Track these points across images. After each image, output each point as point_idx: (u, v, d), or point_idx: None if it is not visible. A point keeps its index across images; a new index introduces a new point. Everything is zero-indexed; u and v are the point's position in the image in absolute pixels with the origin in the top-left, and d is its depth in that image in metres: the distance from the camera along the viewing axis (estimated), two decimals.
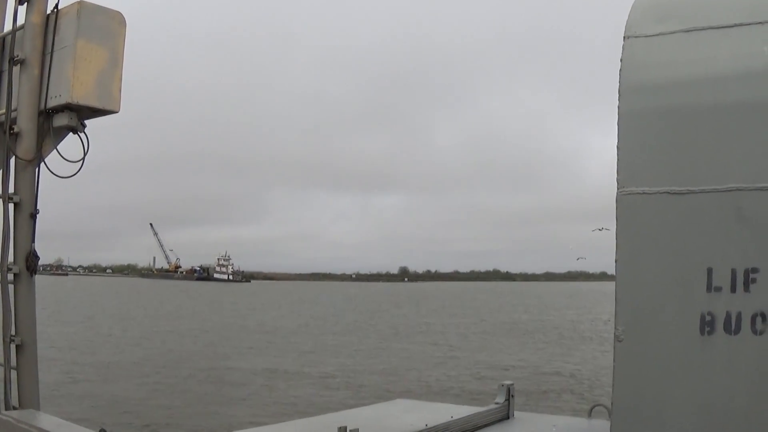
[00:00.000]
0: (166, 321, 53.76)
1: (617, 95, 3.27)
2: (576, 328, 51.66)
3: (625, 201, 3.16)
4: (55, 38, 5.10)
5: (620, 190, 3.18)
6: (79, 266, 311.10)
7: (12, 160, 5.10)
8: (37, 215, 5.07)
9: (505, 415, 5.07)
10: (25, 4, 5.18)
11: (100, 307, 70.73)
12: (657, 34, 3.26)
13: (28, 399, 5.09)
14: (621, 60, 3.29)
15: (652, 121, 3.20)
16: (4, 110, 5.12)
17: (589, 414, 4.89)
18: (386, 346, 38.08)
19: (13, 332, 5.04)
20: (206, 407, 19.95)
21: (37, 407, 5.07)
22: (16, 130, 5.05)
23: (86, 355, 31.20)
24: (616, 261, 3.19)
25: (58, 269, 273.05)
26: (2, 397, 5.13)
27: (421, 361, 31.63)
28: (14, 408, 5.04)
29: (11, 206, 5.03)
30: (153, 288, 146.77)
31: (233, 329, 47.26)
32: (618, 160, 3.21)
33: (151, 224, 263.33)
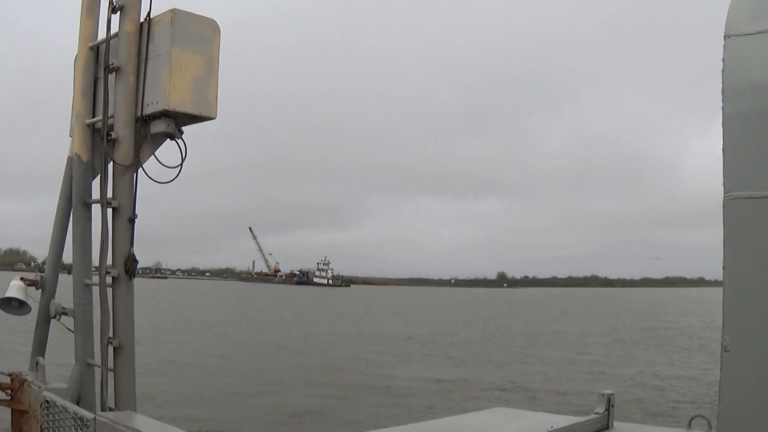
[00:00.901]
0: (295, 327, 51.58)
1: (720, 96, 3.22)
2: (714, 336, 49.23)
3: (731, 205, 3.06)
4: (150, 46, 5.19)
5: (727, 194, 3.09)
6: (178, 269, 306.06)
7: (110, 166, 5.21)
8: (136, 220, 5.17)
9: (604, 425, 5.01)
10: (119, 12, 5.27)
11: (218, 311, 68.90)
12: (758, 32, 3.13)
13: (125, 400, 5.19)
14: (723, 60, 3.21)
15: (758, 123, 3.09)
16: (101, 117, 5.23)
17: (689, 425, 4.80)
18: (532, 354, 36.57)
19: (111, 334, 5.16)
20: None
21: (134, 408, 5.16)
22: (113, 136, 5.16)
23: (236, 363, 29.77)
24: (723, 268, 3.10)
25: (157, 272, 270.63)
26: (99, 398, 5.25)
27: (577, 373, 29.84)
28: (110, 409, 5.14)
29: (110, 211, 5.14)
30: (258, 292, 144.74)
31: (371, 336, 45.62)
32: (724, 163, 3.11)
33: (250, 228, 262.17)
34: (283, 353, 33.53)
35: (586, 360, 34.69)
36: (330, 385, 24.42)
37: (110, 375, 5.22)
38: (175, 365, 27.45)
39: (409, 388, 24.40)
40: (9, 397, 5.47)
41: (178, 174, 5.17)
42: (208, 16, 5.23)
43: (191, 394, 21.43)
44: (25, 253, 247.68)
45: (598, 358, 35.69)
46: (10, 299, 5.53)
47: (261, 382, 24.48)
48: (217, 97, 5.17)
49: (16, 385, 5.42)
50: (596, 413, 4.98)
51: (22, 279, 5.56)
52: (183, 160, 5.16)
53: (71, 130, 5.53)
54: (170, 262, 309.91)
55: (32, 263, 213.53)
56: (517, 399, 22.59)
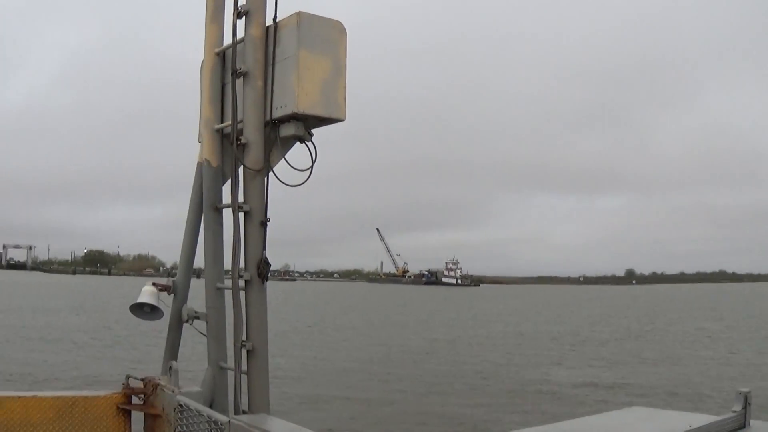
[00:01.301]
0: (436, 328, 50.20)
1: None
2: None
3: None
4: (276, 49, 5.20)
5: None
6: (306, 272, 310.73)
7: (240, 170, 5.24)
8: (268, 223, 5.19)
9: (741, 424, 4.84)
10: (244, 17, 5.31)
11: (354, 312, 68.37)
12: None
13: (259, 403, 5.20)
14: None
15: None
16: (230, 122, 5.27)
17: None
18: (683, 352, 35.23)
19: (244, 338, 5.18)
20: None
21: (268, 411, 5.16)
22: (243, 140, 5.19)
23: (386, 367, 28.84)
24: None
25: (286, 275, 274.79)
26: (233, 401, 5.28)
27: (731, 372, 28.44)
28: (244, 412, 5.16)
29: (241, 215, 5.17)
30: (388, 292, 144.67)
31: (515, 336, 44.17)
32: None
33: (377, 229, 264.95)
34: (434, 356, 32.78)
35: (737, 359, 33.19)
36: (490, 391, 23.60)
37: (243, 378, 5.25)
38: (323, 369, 27.39)
39: (571, 390, 23.51)
40: (142, 402, 5.59)
41: (308, 177, 5.15)
42: (334, 18, 5.22)
43: (342, 399, 21.22)
44: (153, 258, 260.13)
45: (748, 356, 34.11)
46: (142, 304, 5.64)
47: (418, 387, 23.81)
48: (345, 98, 5.14)
49: (150, 390, 5.54)
50: (733, 411, 4.80)
51: (154, 284, 5.66)
52: (313, 163, 5.14)
53: (199, 136, 5.60)
54: (298, 264, 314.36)
55: (161, 268, 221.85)
56: (680, 399, 21.83)
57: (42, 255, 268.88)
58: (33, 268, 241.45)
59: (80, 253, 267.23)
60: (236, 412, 5.16)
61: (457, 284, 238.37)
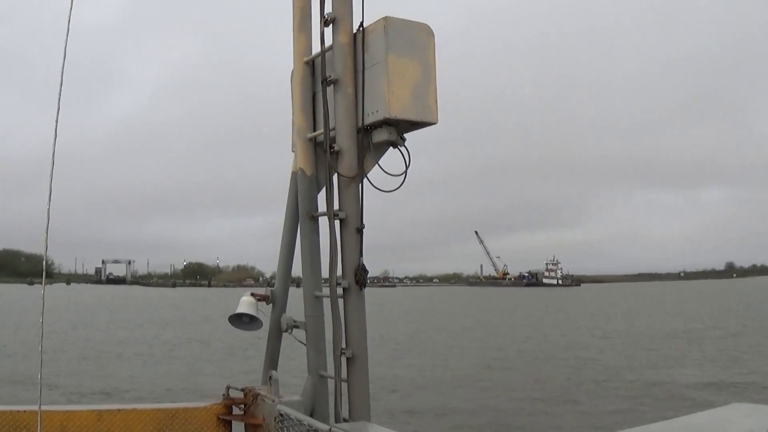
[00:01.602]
0: (547, 330, 49.88)
1: None
2: None
3: None
4: (365, 55, 5.19)
5: None
6: (405, 277, 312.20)
7: (335, 178, 5.25)
8: (364, 230, 5.17)
9: None
10: (331, 25, 5.32)
11: (461, 316, 67.93)
12: None
13: (360, 411, 5.17)
14: None
15: None
16: (322, 130, 5.29)
17: None
18: None
19: (343, 345, 5.17)
20: None
21: (368, 419, 5.14)
22: (336, 148, 5.19)
23: (509, 374, 28.15)
24: None
25: (385, 281, 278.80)
26: (333, 409, 5.27)
27: None
28: (345, 420, 5.15)
29: (337, 223, 5.17)
30: (490, 295, 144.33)
31: (628, 336, 43.49)
32: None
33: (476, 232, 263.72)
34: (552, 361, 32.17)
35: None
36: (618, 394, 23.02)
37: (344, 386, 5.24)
38: (443, 377, 27.14)
39: (699, 392, 22.85)
40: (243, 412, 5.65)
41: (402, 182, 5.11)
42: (421, 21, 5.18)
43: (469, 407, 20.95)
44: (252, 268, 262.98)
45: None
46: (241, 315, 5.69)
47: (543, 393, 23.41)
48: (436, 101, 5.08)
49: (250, 400, 5.60)
50: None
51: (252, 294, 5.71)
52: (407, 168, 5.10)
53: (293, 146, 5.64)
54: (397, 270, 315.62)
55: (260, 278, 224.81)
56: None
57: (141, 269, 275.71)
58: (133, 283, 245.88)
59: (179, 266, 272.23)
60: (337, 421, 5.15)
61: (557, 285, 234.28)
